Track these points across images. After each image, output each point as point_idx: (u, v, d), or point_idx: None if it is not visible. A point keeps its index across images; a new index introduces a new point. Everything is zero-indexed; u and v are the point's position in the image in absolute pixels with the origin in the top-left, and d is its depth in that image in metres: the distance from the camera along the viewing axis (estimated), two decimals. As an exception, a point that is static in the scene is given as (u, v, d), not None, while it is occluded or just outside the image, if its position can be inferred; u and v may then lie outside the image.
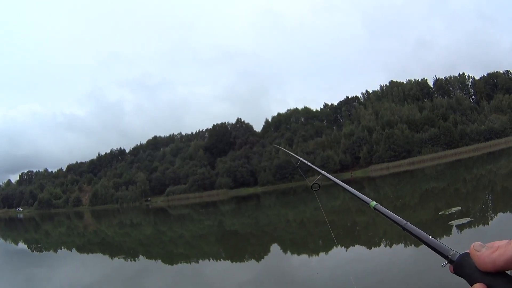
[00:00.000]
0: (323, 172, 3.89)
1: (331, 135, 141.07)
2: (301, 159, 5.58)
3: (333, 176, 3.47)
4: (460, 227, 16.62)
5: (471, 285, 1.31)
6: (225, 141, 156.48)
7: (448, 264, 1.47)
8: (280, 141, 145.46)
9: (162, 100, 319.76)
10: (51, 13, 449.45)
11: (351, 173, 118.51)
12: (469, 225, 16.91)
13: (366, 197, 2.49)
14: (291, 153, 6.31)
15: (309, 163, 5.03)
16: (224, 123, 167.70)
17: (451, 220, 17.83)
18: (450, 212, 20.16)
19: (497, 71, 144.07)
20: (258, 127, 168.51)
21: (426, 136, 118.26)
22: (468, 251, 1.35)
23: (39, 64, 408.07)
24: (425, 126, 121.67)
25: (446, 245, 1.52)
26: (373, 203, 2.33)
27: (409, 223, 1.89)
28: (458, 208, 21.11)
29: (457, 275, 1.42)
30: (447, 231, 16.74)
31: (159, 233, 40.26)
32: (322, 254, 17.70)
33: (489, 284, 1.25)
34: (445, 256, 1.48)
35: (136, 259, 25.86)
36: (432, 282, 10.17)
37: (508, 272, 1.24)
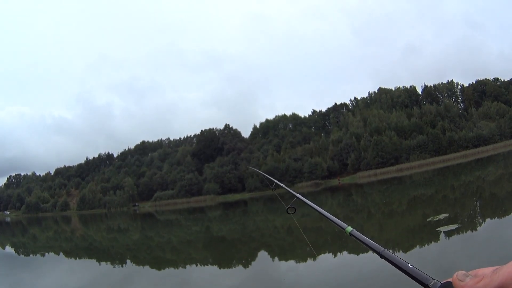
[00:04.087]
0: (298, 195, 3.80)
1: (319, 141, 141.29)
2: (276, 181, 5.58)
3: (309, 200, 3.41)
4: (448, 234, 16.65)
5: None
6: (213, 146, 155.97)
7: None
8: (268, 147, 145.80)
9: (150, 104, 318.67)
10: (40, 15, 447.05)
11: (338, 180, 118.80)
12: (457, 231, 16.94)
13: (342, 222, 2.46)
14: (268, 176, 6.28)
15: (284, 186, 5.01)
16: (212, 128, 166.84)
17: (439, 227, 17.86)
18: (438, 218, 20.20)
19: (485, 78, 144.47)
20: (246, 133, 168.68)
21: (414, 143, 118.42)
22: (450, 280, 1.29)
23: (27, 66, 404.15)
24: (413, 133, 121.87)
25: (426, 273, 1.47)
26: (349, 228, 2.33)
27: (386, 250, 1.82)
28: (446, 214, 21.16)
29: None
30: (435, 237, 16.76)
31: (146, 239, 40.13)
32: (309, 260, 17.65)
33: None
34: (425, 285, 1.43)
35: (124, 264, 25.74)
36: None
37: None
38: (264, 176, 6.62)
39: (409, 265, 1.58)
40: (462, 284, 1.20)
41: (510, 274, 1.08)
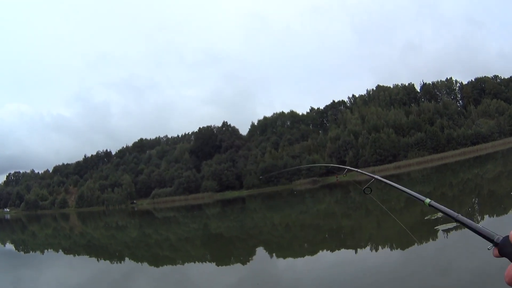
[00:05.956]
0: (376, 176, 4.50)
1: (317, 139, 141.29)
2: (347, 167, 6.18)
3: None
4: (446, 232, 16.64)
5: None
6: (211, 144, 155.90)
7: (493, 247, 1.89)
8: (266, 145, 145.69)
9: (149, 102, 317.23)
10: (39, 13, 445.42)
11: (336, 177, 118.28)
12: (455, 229, 16.93)
13: (420, 195, 2.98)
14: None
15: (358, 170, 5.78)
16: (210, 126, 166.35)
17: (437, 225, 17.85)
18: (436, 216, 20.15)
19: (485, 76, 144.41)
20: (244, 130, 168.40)
21: (413, 140, 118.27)
22: (508, 235, 1.75)
23: (27, 64, 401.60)
24: (411, 130, 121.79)
25: (492, 230, 1.98)
26: (428, 200, 2.87)
27: (460, 215, 2.32)
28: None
29: (501, 255, 1.81)
30: (433, 235, 16.76)
31: (144, 236, 40.13)
32: (307, 257, 17.65)
33: None
34: (491, 240, 1.93)
35: (122, 261, 25.77)
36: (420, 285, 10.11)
37: None
38: (329, 166, 7.25)
39: (479, 225, 2.11)
40: None
41: None
